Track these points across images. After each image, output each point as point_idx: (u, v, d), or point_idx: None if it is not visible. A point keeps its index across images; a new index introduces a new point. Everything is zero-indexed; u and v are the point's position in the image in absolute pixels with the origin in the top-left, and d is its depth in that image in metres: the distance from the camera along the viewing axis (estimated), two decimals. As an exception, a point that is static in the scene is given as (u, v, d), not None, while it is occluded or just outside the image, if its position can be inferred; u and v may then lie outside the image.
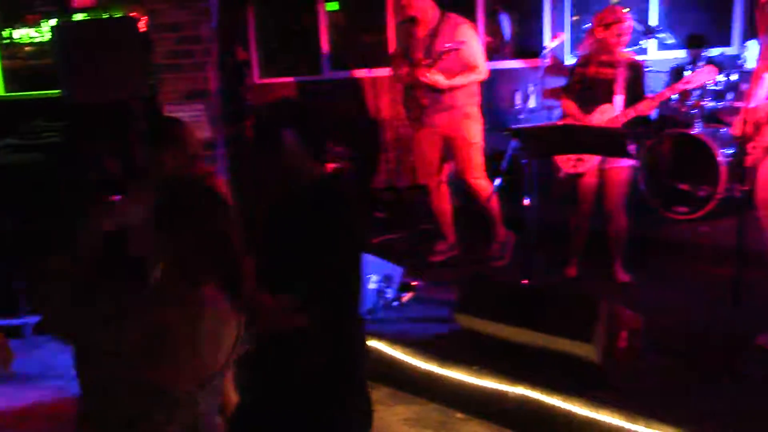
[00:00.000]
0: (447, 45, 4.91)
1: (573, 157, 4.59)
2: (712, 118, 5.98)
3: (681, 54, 7.21)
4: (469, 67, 5.05)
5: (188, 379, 1.93)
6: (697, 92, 5.82)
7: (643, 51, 6.39)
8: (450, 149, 5.26)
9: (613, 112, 4.52)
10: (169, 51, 5.61)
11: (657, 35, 6.41)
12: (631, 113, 4.47)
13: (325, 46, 7.71)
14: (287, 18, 8.12)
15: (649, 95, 4.51)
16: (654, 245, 5.48)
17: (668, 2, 7.47)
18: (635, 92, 4.54)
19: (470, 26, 5.13)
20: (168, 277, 1.90)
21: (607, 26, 4.57)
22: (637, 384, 3.57)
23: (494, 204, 5.27)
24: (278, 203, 2.34)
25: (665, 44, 6.66)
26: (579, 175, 4.72)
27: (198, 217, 1.93)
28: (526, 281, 4.18)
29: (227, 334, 2.00)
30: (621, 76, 4.53)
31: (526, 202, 4.25)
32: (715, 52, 6.98)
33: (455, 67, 5.02)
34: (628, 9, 4.89)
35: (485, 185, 5.24)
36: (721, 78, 5.82)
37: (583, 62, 4.73)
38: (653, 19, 7.29)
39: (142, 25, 6.22)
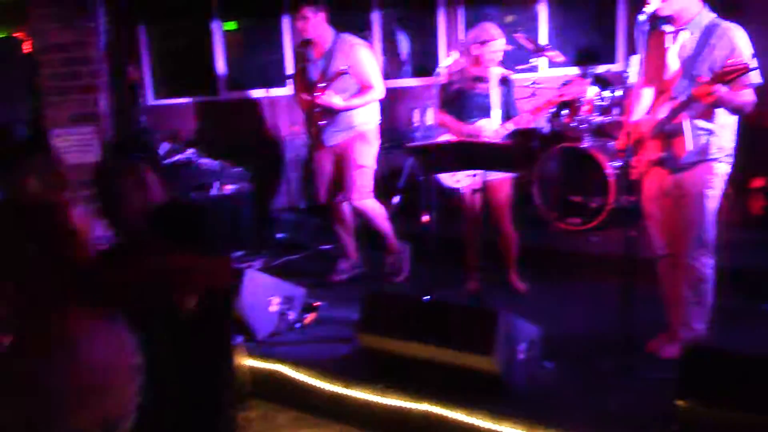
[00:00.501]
0: (341, 68, 4.94)
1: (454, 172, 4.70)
2: (600, 132, 6.21)
3: (571, 71, 7.50)
4: (365, 88, 5.08)
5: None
6: (586, 107, 6.03)
7: (534, 69, 6.59)
8: (341, 169, 5.27)
9: (492, 125, 4.66)
10: (56, 73, 5.41)
11: (547, 53, 6.61)
12: (510, 126, 4.63)
13: (221, 66, 7.61)
14: (182, 37, 7.97)
15: (526, 109, 4.69)
16: (550, 256, 5.64)
17: (557, 21, 7.76)
18: (509, 106, 4.73)
19: (365, 46, 5.16)
20: (25, 317, 1.79)
21: (482, 43, 4.71)
22: (537, 393, 3.64)
23: (382, 221, 5.30)
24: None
25: (555, 62, 6.89)
26: (473, 191, 4.79)
27: (41, 243, 1.84)
28: (427, 297, 4.20)
29: (123, 372, 1.89)
30: (495, 91, 4.68)
31: (425, 218, 4.29)
32: (601, 68, 7.29)
33: (352, 88, 5.05)
34: (509, 27, 5.06)
35: (371, 204, 5.27)
36: (608, 93, 6.05)
37: (458, 78, 4.83)
38: (543, 38, 7.55)
39: (27, 47, 5.99)
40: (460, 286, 4.96)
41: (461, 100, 4.78)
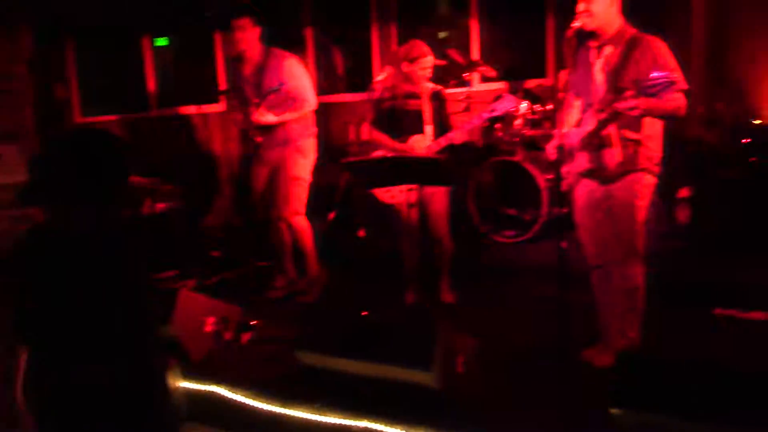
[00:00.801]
0: (273, 86, 4.92)
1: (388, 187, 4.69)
2: (533, 145, 6.32)
3: (502, 85, 7.62)
4: (298, 101, 5.08)
5: None
6: (518, 121, 6.12)
7: (467, 83, 6.67)
8: (276, 183, 5.23)
9: (425, 141, 4.67)
10: (-22, 90, 5.24)
11: (478, 69, 6.72)
12: (443, 141, 4.63)
13: (152, 82, 7.48)
14: (111, 54, 7.81)
15: (459, 125, 4.69)
16: (485, 269, 5.71)
17: (488, 37, 7.89)
18: (441, 122, 4.75)
19: (297, 61, 5.15)
20: None
21: (413, 60, 4.75)
22: (475, 406, 3.64)
23: (309, 240, 5.28)
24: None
25: (487, 77, 6.99)
26: (410, 205, 4.79)
27: None
28: (364, 312, 4.18)
29: None
30: (427, 107, 4.70)
31: (361, 233, 4.28)
32: (532, 83, 7.43)
33: (284, 103, 5.04)
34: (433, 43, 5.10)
35: (302, 222, 5.25)
36: (539, 107, 6.17)
37: (389, 95, 4.84)
38: (475, 54, 7.66)
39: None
40: (398, 301, 4.96)
41: (394, 117, 4.79)
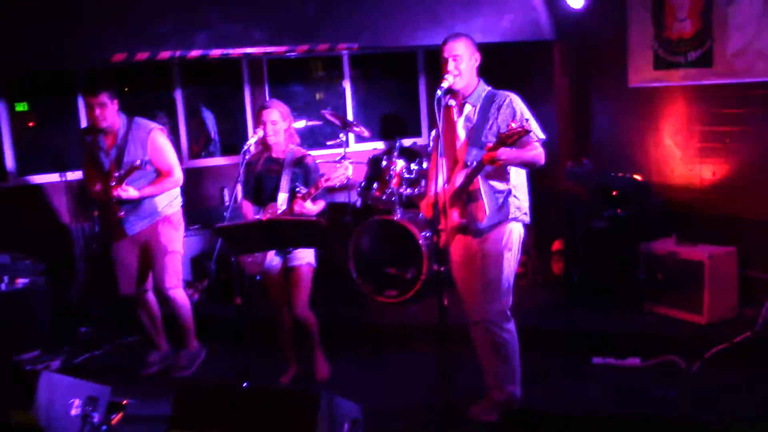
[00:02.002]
0: (136, 162, 4.73)
1: (256, 258, 4.58)
2: (410, 203, 6.44)
3: (379, 145, 7.78)
4: (163, 176, 4.95)
5: None
6: (395, 180, 6.23)
7: (345, 144, 6.76)
8: (147, 257, 5.06)
9: (276, 211, 4.53)
10: None
11: (353, 129, 6.82)
12: (296, 210, 4.43)
13: (9, 150, 7.14)
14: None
15: (300, 192, 4.47)
16: (368, 330, 5.71)
17: (362, 98, 8.06)
18: (308, 186, 4.51)
19: (160, 132, 5.01)
20: None
21: (258, 122, 4.62)
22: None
23: (188, 314, 5.14)
24: None
25: (362, 137, 7.12)
26: (267, 276, 4.69)
27: None
28: (245, 383, 4.07)
29: None
30: (286, 174, 4.56)
31: (238, 301, 4.19)
32: (407, 141, 7.61)
33: (149, 175, 4.91)
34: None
35: (181, 295, 5.11)
36: (415, 166, 6.30)
37: (254, 160, 4.74)
38: (349, 114, 7.80)
39: None
40: (279, 370, 4.87)
41: (257, 183, 4.68)
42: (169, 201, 5.04)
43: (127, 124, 4.94)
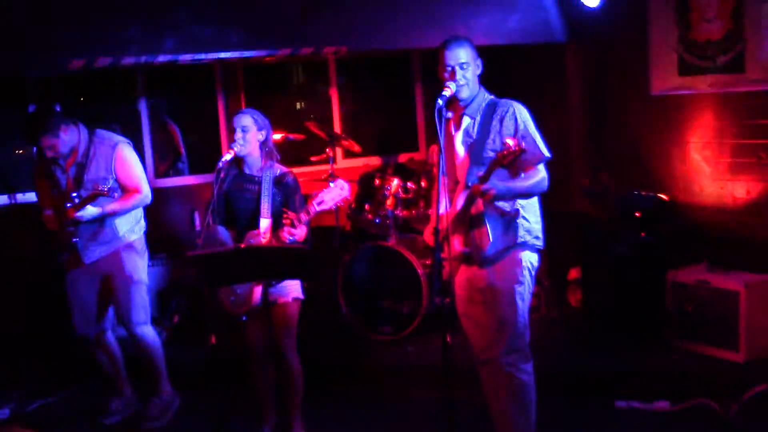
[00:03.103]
0: (100, 187, 4.69)
1: (234, 292, 4.43)
2: (407, 227, 6.45)
3: (372, 161, 7.79)
4: (129, 192, 4.92)
5: None
6: (389, 201, 6.25)
7: (331, 160, 6.76)
8: (109, 290, 5.02)
9: (258, 240, 4.41)
10: None
11: (342, 143, 6.84)
12: (282, 238, 4.32)
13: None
14: None
15: (289, 217, 4.34)
16: (360, 372, 5.68)
17: (351, 108, 8.09)
18: (294, 210, 4.40)
19: (126, 146, 4.98)
20: None
21: (231, 131, 4.55)
22: None
23: (158, 355, 5.10)
24: None
25: (351, 152, 7.14)
26: (256, 311, 4.46)
27: None
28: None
29: None
30: (267, 195, 4.46)
31: (212, 340, 4.17)
32: (403, 157, 7.65)
33: (113, 193, 4.88)
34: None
35: (151, 333, 5.08)
36: (412, 185, 6.32)
37: (229, 177, 4.59)
38: (336, 126, 7.83)
39: None
40: (260, 420, 4.83)
41: (230, 206, 4.56)
42: (131, 226, 5.02)
43: (88, 138, 4.93)
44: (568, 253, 6.44)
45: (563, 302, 6.49)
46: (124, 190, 4.95)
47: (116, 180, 4.90)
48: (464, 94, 3.88)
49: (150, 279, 5.29)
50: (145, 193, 4.99)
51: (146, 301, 5.09)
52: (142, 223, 5.13)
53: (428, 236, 4.12)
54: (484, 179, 3.64)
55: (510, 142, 3.54)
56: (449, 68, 3.85)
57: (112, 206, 4.86)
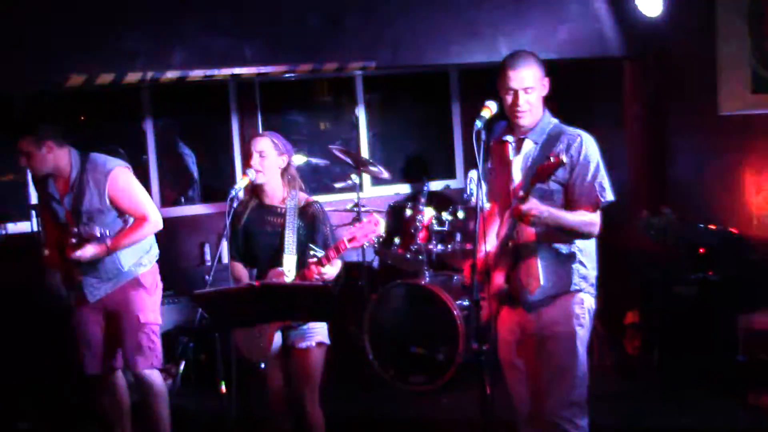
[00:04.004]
0: (96, 232, 4.71)
1: (251, 335, 4.42)
2: (442, 264, 6.42)
3: (402, 189, 7.80)
4: (136, 221, 4.91)
5: None
6: (422, 234, 6.23)
7: (357, 188, 6.75)
8: (115, 329, 5.04)
9: (282, 279, 4.39)
10: None
11: (369, 169, 6.84)
12: (308, 276, 4.29)
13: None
14: None
15: (313, 259, 4.31)
16: (389, 428, 5.63)
17: (380, 130, 8.11)
18: (323, 244, 4.41)
19: (123, 170, 4.96)
20: None
21: (245, 156, 4.63)
22: None
23: (163, 403, 5.09)
24: None
25: (380, 179, 7.14)
26: (275, 357, 4.51)
27: None
28: None
29: None
30: (291, 228, 4.47)
31: (222, 389, 4.15)
32: (438, 185, 7.64)
33: (116, 224, 4.89)
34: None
35: (158, 381, 5.07)
36: (447, 216, 6.30)
37: (242, 209, 4.61)
38: (364, 150, 7.84)
39: None
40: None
41: (247, 241, 4.58)
42: (138, 257, 5.00)
43: (80, 164, 4.92)
44: (624, 295, 6.38)
45: (619, 349, 6.42)
46: (126, 220, 4.95)
47: (115, 210, 4.89)
48: (526, 120, 3.85)
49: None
50: (154, 220, 4.95)
51: (156, 343, 5.06)
52: (154, 251, 5.10)
53: (466, 273, 4.08)
54: (523, 199, 3.61)
55: (553, 158, 3.52)
56: (511, 92, 3.82)
57: (117, 242, 4.84)
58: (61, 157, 4.88)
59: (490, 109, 3.76)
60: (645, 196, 6.79)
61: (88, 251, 4.76)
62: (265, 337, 4.38)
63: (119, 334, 5.02)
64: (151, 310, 5.05)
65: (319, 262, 4.25)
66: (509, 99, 3.84)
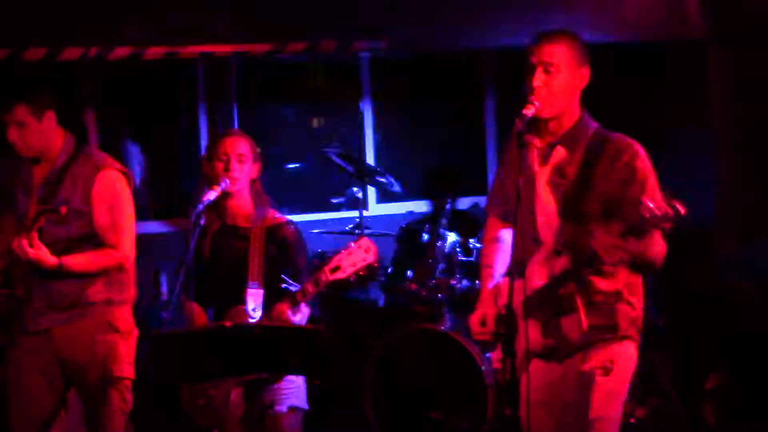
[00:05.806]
0: (59, 206, 4.66)
1: (203, 392, 4.48)
2: (467, 304, 6.43)
3: (418, 207, 7.81)
4: (104, 245, 4.80)
5: None
6: (441, 266, 6.26)
7: (361, 204, 6.78)
8: (72, 384, 4.97)
9: (247, 319, 4.46)
10: None
11: (376, 179, 6.87)
12: (278, 317, 4.38)
13: None
14: None
15: (290, 290, 4.44)
16: None
17: (390, 129, 8.12)
18: (295, 277, 4.48)
19: (119, 173, 4.89)
20: None
21: (210, 159, 4.64)
22: None
23: None
24: None
25: (389, 192, 7.15)
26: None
27: None
28: None
29: None
30: (257, 253, 4.54)
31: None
32: (464, 202, 7.66)
33: (84, 240, 4.82)
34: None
35: None
36: (476, 243, 6.34)
37: (209, 227, 4.70)
38: (369, 155, 7.86)
39: None
40: None
41: (208, 269, 4.66)
42: (110, 288, 4.85)
43: (71, 152, 4.89)
44: (704, 352, 6.40)
45: (698, 420, 6.44)
46: (99, 240, 4.83)
47: (88, 218, 4.80)
48: (549, 111, 3.81)
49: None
50: (124, 254, 4.80)
51: (129, 405, 4.89)
52: (131, 292, 4.99)
53: (476, 324, 4.05)
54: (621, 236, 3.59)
55: (652, 204, 3.45)
56: (533, 66, 3.80)
57: (72, 261, 4.73)
58: (56, 137, 4.92)
59: (535, 105, 3.74)
60: (735, 225, 6.81)
61: (42, 254, 4.59)
62: (221, 395, 4.42)
63: (78, 391, 4.95)
64: (127, 361, 4.87)
65: (293, 299, 4.30)
66: (529, 80, 3.81)
